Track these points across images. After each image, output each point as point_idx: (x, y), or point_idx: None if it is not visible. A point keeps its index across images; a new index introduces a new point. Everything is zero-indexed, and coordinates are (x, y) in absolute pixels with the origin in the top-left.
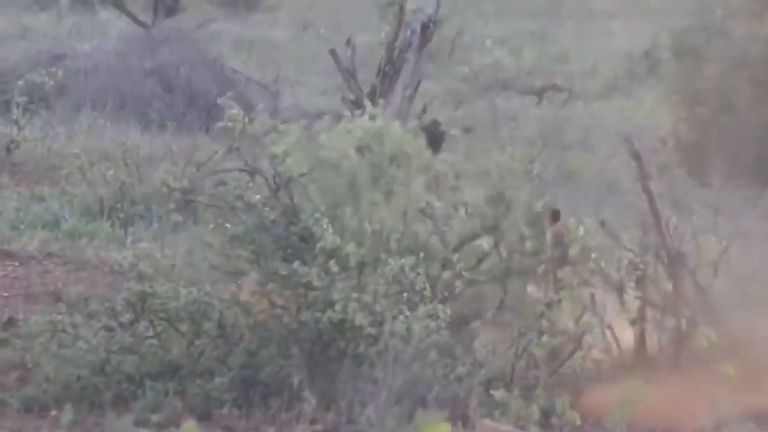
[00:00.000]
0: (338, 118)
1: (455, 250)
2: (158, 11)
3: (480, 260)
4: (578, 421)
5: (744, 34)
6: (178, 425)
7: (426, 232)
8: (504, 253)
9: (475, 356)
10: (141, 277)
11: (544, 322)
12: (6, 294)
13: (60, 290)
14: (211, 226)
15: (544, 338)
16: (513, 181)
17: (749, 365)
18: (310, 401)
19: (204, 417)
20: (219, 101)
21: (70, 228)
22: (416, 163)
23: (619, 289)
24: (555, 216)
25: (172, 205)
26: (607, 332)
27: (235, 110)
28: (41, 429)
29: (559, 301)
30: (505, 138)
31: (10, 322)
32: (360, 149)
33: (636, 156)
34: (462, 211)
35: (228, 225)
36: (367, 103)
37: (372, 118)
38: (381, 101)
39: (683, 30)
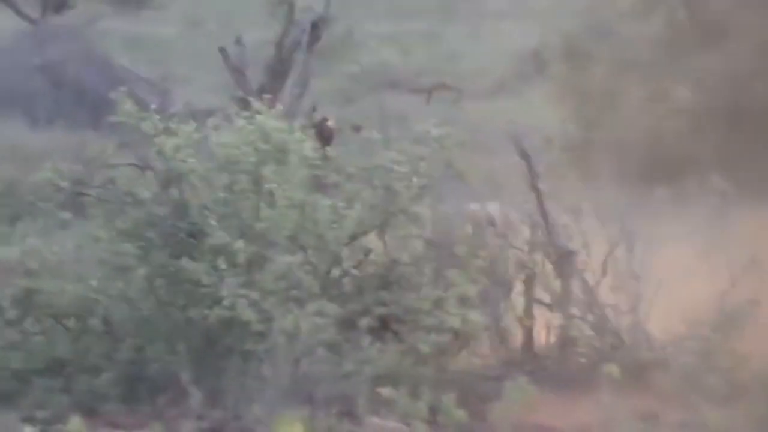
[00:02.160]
0: (228, 115)
1: (344, 247)
2: (47, 7)
3: (366, 256)
4: (465, 419)
5: (631, 34)
6: (64, 422)
7: (314, 230)
8: (391, 251)
9: (362, 353)
10: (28, 273)
11: (432, 320)
12: None
13: None
14: (100, 222)
15: (432, 336)
16: (401, 179)
17: (634, 365)
18: (196, 397)
19: (90, 413)
20: (111, 95)
21: None
22: (301, 161)
23: (507, 287)
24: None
25: (59, 201)
26: (494, 330)
27: (128, 105)
28: None
29: (447, 298)
30: (393, 136)
31: None
32: (247, 147)
33: (524, 155)
34: (350, 208)
35: (117, 221)
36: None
37: (258, 115)
38: (270, 99)
39: (572, 30)
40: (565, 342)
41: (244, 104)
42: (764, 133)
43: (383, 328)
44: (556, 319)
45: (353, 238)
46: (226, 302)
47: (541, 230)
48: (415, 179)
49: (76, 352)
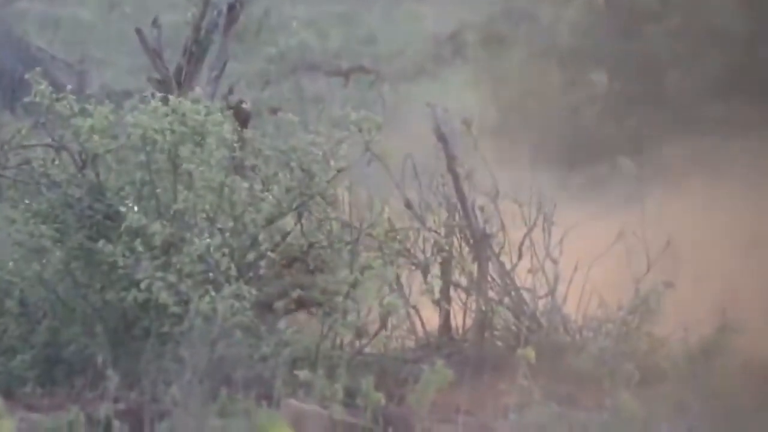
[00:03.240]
0: (144, 97)
1: (261, 229)
2: None
3: (284, 239)
4: (383, 401)
5: (550, 19)
6: None
7: (232, 212)
8: (307, 233)
9: (279, 336)
10: None
11: (349, 302)
12: None
13: None
14: (15, 203)
15: (349, 318)
16: (318, 162)
17: (551, 348)
18: (113, 380)
19: (6, 395)
20: (26, 76)
21: None
22: (219, 143)
23: (424, 270)
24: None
25: None
26: (412, 312)
27: (43, 86)
28: None
29: (364, 281)
30: (311, 119)
31: None
32: (163, 128)
33: (442, 138)
34: (267, 191)
35: (32, 203)
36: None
37: (172, 97)
38: (187, 81)
39: (490, 14)
40: (482, 325)
41: (162, 86)
42: (679, 117)
43: (300, 310)
44: (473, 302)
45: (270, 220)
46: (142, 285)
47: (458, 213)
48: (332, 162)
49: None
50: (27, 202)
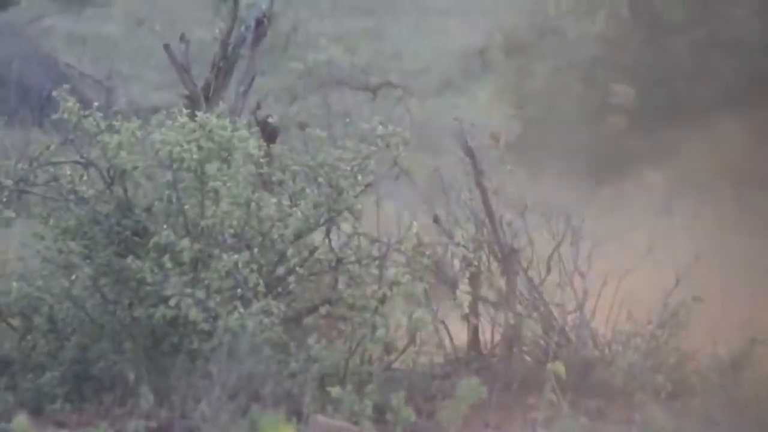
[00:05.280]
0: (172, 113)
1: (289, 245)
2: None
3: (312, 254)
4: (413, 417)
5: (575, 32)
6: (9, 420)
7: (260, 228)
8: (335, 249)
9: (308, 352)
10: None
11: (378, 318)
12: None
13: None
14: (44, 220)
15: (377, 334)
16: (346, 177)
17: (580, 363)
18: (144, 396)
19: (36, 412)
20: (54, 93)
21: None
22: (246, 159)
23: (453, 285)
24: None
25: (3, 200)
26: (440, 328)
27: (71, 102)
28: None
29: (393, 296)
30: (338, 134)
31: None
32: (190, 144)
33: (469, 152)
34: (295, 206)
35: (60, 219)
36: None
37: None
38: (215, 97)
39: (516, 28)
40: (511, 340)
41: (190, 102)
42: (704, 130)
43: (328, 325)
44: (502, 317)
45: (298, 236)
46: (171, 301)
47: (485, 228)
48: (360, 177)
49: (21, 351)
50: (55, 218)
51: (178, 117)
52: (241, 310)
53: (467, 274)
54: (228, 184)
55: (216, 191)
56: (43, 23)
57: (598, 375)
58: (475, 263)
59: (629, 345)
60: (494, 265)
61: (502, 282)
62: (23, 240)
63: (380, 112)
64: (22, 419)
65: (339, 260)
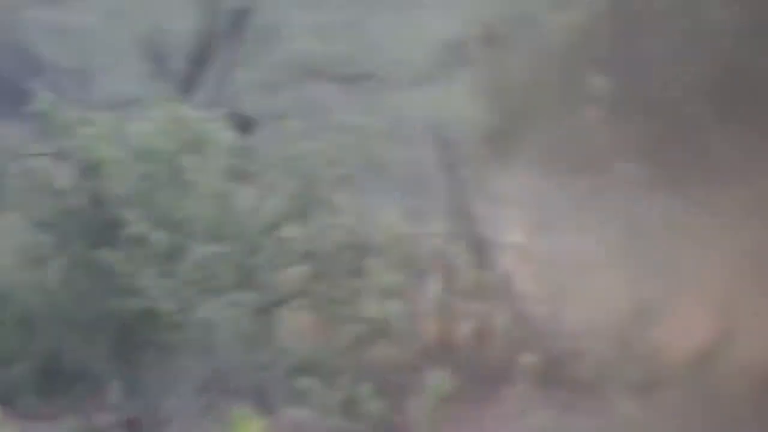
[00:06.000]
0: (148, 105)
1: (263, 237)
2: None
3: (285, 246)
4: (382, 410)
5: (552, 24)
6: None
7: (234, 220)
8: (309, 240)
9: (278, 344)
10: None
11: (348, 310)
12: None
13: None
14: (17, 212)
15: (349, 326)
16: (321, 169)
17: (551, 355)
18: (114, 389)
19: (6, 404)
20: (30, 84)
21: None
22: (220, 150)
23: (425, 277)
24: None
25: None
26: (412, 320)
27: (46, 94)
28: None
29: (363, 288)
30: (314, 126)
31: None
32: (164, 136)
33: (444, 144)
34: (269, 198)
35: (33, 211)
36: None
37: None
38: (192, 89)
39: (492, 18)
40: (482, 332)
41: (166, 93)
42: (680, 122)
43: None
44: (474, 309)
45: (272, 228)
46: (143, 293)
47: (459, 219)
48: (335, 169)
49: None
50: (28, 210)
51: (154, 109)
52: (213, 301)
53: (439, 266)
54: (202, 176)
55: (190, 183)
56: (20, 13)
57: (570, 367)
58: (448, 255)
59: (601, 337)
60: (467, 257)
61: (474, 274)
62: None
63: (357, 103)
64: None
65: (312, 252)
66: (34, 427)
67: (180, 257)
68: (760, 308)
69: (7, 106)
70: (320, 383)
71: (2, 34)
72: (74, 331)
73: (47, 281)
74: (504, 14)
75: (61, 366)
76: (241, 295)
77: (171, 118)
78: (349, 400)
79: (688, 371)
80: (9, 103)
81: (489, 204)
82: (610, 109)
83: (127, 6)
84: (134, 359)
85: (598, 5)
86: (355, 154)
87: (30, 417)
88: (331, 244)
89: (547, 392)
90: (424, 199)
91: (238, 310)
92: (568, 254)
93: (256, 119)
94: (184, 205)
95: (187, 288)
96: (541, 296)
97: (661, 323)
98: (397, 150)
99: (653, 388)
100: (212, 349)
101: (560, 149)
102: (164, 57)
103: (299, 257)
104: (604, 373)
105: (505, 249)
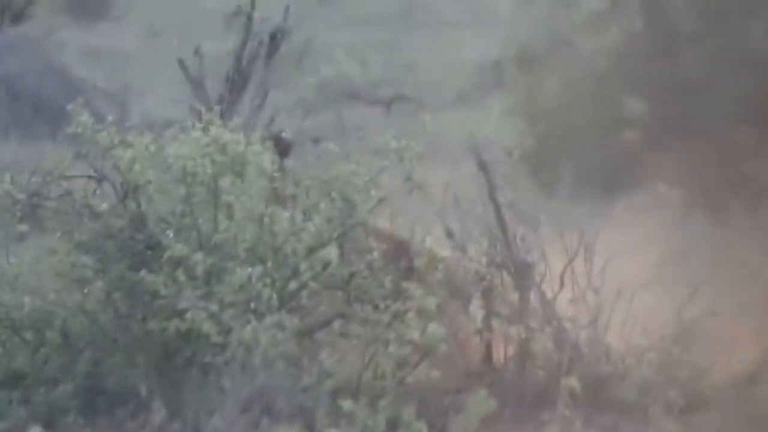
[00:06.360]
0: (186, 127)
1: (302, 259)
2: (4, 18)
3: (325, 269)
4: (424, 431)
5: (589, 46)
6: None
7: (273, 242)
8: (349, 263)
9: (321, 366)
10: None
11: (391, 332)
12: None
13: None
14: (57, 234)
15: (390, 348)
16: (359, 192)
17: (593, 378)
18: (158, 411)
19: (49, 425)
20: (67, 107)
21: None
22: (259, 173)
23: (466, 300)
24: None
25: (16, 214)
26: (453, 342)
27: (84, 116)
28: None
29: (406, 311)
30: (352, 148)
31: None
32: (203, 158)
33: (483, 166)
34: (308, 220)
35: (74, 233)
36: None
37: (213, 127)
38: (228, 111)
39: (529, 41)
40: (524, 355)
41: (203, 116)
42: (718, 144)
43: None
44: (515, 331)
45: (312, 250)
46: (184, 315)
47: (499, 242)
48: (373, 191)
49: (34, 365)
50: (68, 232)
51: (192, 131)
52: (254, 323)
53: (480, 289)
54: (241, 199)
55: (229, 205)
56: (57, 37)
57: (612, 390)
58: (488, 278)
59: (643, 360)
60: (507, 280)
61: (515, 297)
62: (36, 254)
63: (394, 125)
64: None
65: (352, 275)
66: None
67: (220, 279)
68: None
69: (47, 128)
70: (363, 405)
71: (41, 57)
72: (116, 352)
73: (88, 303)
74: (540, 36)
75: (103, 387)
76: (282, 317)
77: (210, 141)
78: (391, 422)
79: (730, 393)
80: (48, 125)
81: (529, 226)
82: (647, 132)
83: (163, 28)
84: (176, 379)
85: (633, 27)
86: (394, 176)
87: None
88: (371, 267)
89: (589, 415)
90: (463, 221)
91: (281, 331)
92: (609, 276)
93: (294, 141)
94: (224, 227)
95: (228, 309)
96: (582, 319)
97: (703, 345)
98: (435, 172)
99: (696, 411)
100: (254, 370)
101: (598, 171)
102: (201, 79)
103: (339, 279)
104: (647, 395)
105: (546, 272)
